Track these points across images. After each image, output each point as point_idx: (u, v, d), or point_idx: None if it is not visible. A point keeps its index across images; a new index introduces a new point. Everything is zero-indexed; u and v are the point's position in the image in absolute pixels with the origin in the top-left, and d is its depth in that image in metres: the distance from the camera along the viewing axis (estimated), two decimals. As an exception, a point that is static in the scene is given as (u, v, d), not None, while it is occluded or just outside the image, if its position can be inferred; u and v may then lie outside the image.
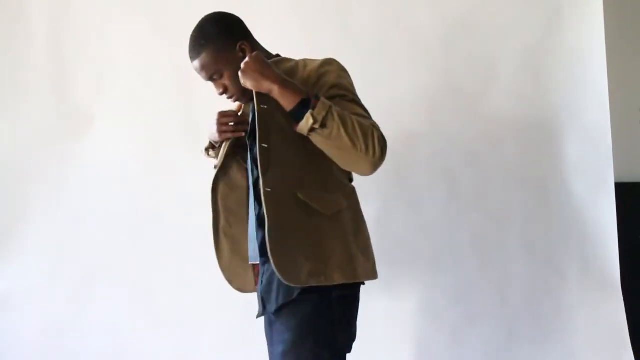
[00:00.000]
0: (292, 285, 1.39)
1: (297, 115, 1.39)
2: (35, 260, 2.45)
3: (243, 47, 1.56)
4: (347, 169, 1.50)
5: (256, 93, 1.44)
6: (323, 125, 1.36)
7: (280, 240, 1.38)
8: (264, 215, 1.39)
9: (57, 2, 2.48)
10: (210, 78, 1.56)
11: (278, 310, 1.47)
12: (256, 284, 1.67)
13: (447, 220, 2.25)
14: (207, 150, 1.78)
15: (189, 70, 2.32)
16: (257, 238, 1.52)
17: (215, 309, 2.33)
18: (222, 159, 1.67)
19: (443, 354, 2.21)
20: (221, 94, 1.59)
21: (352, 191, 1.57)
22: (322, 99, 1.40)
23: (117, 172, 2.43)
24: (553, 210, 2.24)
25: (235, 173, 1.70)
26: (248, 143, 1.60)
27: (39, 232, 2.46)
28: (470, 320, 2.22)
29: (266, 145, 1.42)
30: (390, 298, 2.20)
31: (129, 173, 2.42)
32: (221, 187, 1.69)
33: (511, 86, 2.27)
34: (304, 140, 1.42)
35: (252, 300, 2.13)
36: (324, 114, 1.36)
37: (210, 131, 1.69)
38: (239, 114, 1.69)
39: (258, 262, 1.57)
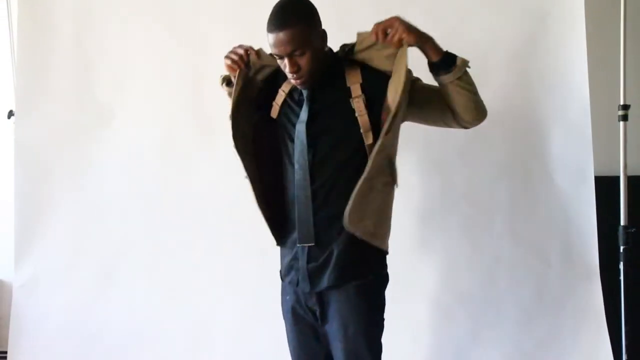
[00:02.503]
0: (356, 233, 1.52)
1: (447, 62, 1.52)
2: (59, 247, 2.57)
3: (324, 36, 1.58)
4: (467, 114, 1.59)
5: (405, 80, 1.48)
6: (466, 77, 1.54)
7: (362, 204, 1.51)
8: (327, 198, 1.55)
9: (81, 9, 2.55)
10: (291, 53, 1.51)
11: (333, 288, 1.58)
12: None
13: (440, 209, 2.35)
14: (223, 79, 1.76)
15: (202, 70, 2.46)
16: (308, 220, 1.57)
17: (228, 292, 2.46)
18: (232, 115, 1.64)
19: (435, 330, 2.34)
20: (293, 72, 1.53)
21: None
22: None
23: (135, 166, 2.53)
24: (537, 202, 2.33)
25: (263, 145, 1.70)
26: (297, 127, 1.60)
27: (62, 221, 2.57)
28: (461, 301, 2.34)
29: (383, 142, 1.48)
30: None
31: (146, 166, 2.52)
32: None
33: (499, 87, 2.31)
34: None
35: (262, 284, 2.24)
36: (464, 68, 1.53)
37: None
38: (257, 59, 1.65)
39: (311, 244, 1.59)
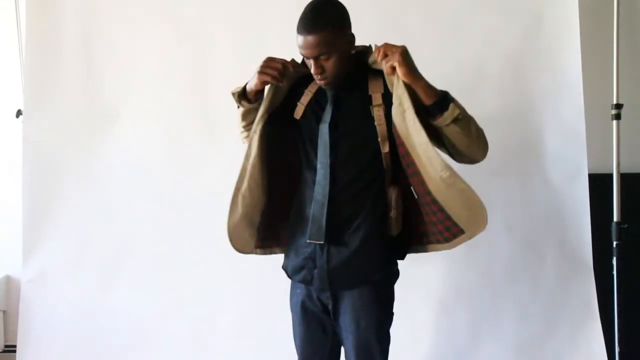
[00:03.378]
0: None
1: (440, 106, 1.48)
2: (67, 243, 2.62)
3: (352, 38, 1.58)
4: (464, 156, 1.59)
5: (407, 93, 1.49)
6: (460, 120, 1.49)
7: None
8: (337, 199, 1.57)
9: (88, 10, 2.59)
10: (317, 56, 1.51)
11: (352, 288, 1.62)
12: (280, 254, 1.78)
13: None
14: (239, 95, 1.68)
15: (205, 71, 2.51)
16: (320, 219, 1.58)
17: (230, 288, 2.51)
18: (260, 122, 1.62)
19: (433, 325, 2.39)
20: (317, 73, 1.54)
21: None
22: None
23: (140, 164, 2.58)
24: (533, 198, 2.38)
25: (273, 150, 1.68)
26: (320, 127, 1.61)
27: (69, 218, 2.61)
28: (458, 295, 2.40)
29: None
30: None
31: (152, 165, 2.57)
32: (254, 156, 1.65)
33: (496, 86, 2.38)
34: None
35: (264, 282, 2.29)
36: (460, 111, 1.49)
37: (251, 77, 1.62)
38: (292, 70, 1.62)
39: (320, 242, 1.59)
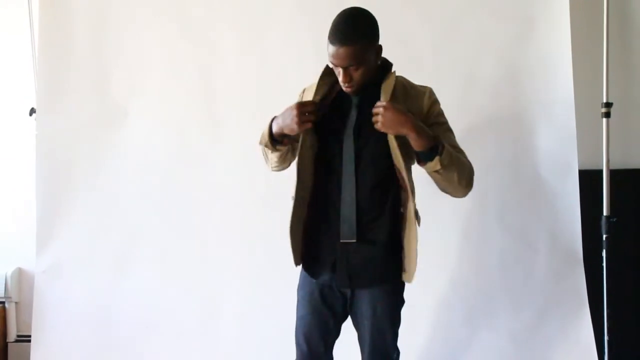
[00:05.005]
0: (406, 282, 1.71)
1: (426, 156, 1.57)
2: (78, 236, 2.67)
3: (379, 50, 1.63)
4: (444, 192, 1.71)
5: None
6: (445, 168, 1.57)
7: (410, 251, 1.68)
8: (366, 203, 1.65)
9: (98, 11, 2.65)
10: (347, 66, 1.56)
11: (372, 287, 1.70)
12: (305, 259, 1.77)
13: (434, 202, 2.34)
14: (273, 143, 1.70)
15: (213, 70, 2.57)
16: (351, 219, 1.65)
17: (236, 279, 2.57)
18: (302, 150, 1.67)
19: (430, 315, 2.46)
20: (345, 82, 1.59)
21: None
22: (447, 146, 1.57)
23: (148, 158, 2.64)
24: (526, 194, 2.45)
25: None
26: (349, 135, 1.65)
27: (81, 212, 2.67)
28: (454, 286, 2.47)
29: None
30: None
31: (159, 159, 2.63)
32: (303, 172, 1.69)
33: (490, 86, 2.44)
34: None
35: (270, 273, 2.39)
36: (448, 159, 1.57)
37: (284, 123, 1.64)
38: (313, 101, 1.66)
39: (352, 241, 1.66)
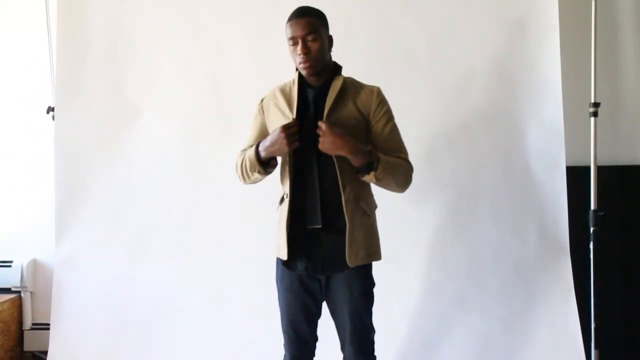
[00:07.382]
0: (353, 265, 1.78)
1: (362, 170, 1.73)
2: (96, 228, 2.77)
3: (331, 40, 1.83)
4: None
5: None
6: (380, 180, 1.74)
7: (354, 237, 1.78)
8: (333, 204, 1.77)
9: (113, 14, 2.74)
10: (306, 34, 1.73)
11: (344, 270, 1.79)
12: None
13: (430, 195, 2.55)
14: (264, 166, 1.82)
15: (222, 71, 2.68)
16: (315, 207, 1.78)
17: (249, 268, 2.64)
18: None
19: (424, 302, 2.55)
20: (304, 53, 1.73)
21: None
22: (382, 159, 1.72)
23: (161, 153, 2.73)
24: (516, 188, 2.53)
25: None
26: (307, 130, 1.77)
27: (98, 205, 2.77)
28: (448, 275, 2.56)
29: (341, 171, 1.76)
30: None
31: (171, 153, 2.72)
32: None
33: (483, 86, 2.52)
34: None
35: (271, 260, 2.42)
36: (382, 173, 1.72)
37: (273, 148, 1.77)
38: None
39: (318, 226, 1.78)
